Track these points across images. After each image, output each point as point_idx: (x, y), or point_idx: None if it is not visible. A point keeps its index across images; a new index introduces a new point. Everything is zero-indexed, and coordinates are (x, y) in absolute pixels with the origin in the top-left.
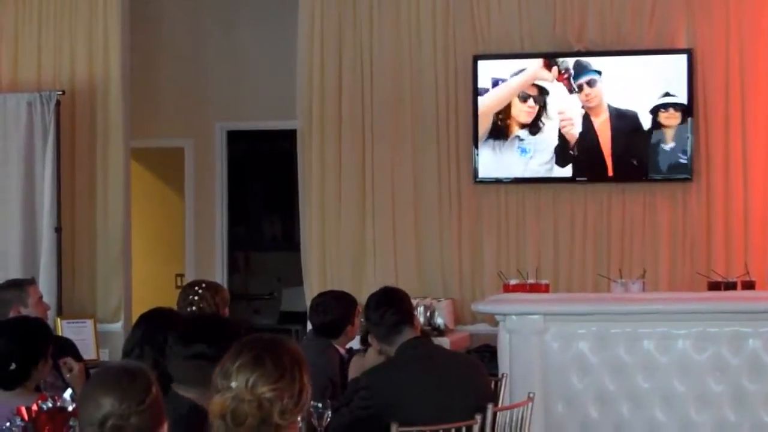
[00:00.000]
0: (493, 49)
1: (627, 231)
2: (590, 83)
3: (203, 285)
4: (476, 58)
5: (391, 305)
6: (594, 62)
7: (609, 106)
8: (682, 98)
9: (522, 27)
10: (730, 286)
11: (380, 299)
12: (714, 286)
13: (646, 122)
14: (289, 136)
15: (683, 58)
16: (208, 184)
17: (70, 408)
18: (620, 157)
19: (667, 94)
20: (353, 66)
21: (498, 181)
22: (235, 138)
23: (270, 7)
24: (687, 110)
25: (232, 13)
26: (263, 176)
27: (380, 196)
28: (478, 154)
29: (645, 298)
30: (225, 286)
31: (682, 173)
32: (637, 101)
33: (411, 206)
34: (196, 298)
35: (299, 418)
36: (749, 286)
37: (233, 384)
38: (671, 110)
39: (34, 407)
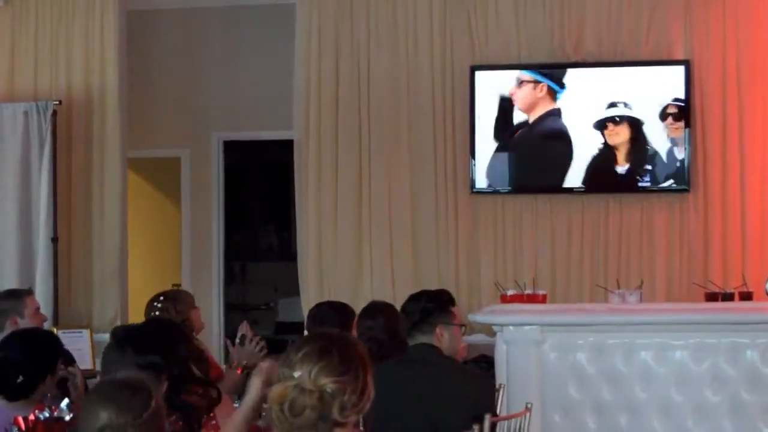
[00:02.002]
0: (490, 60)
1: (624, 241)
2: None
3: (161, 298)
4: (473, 69)
5: (420, 306)
6: (595, 72)
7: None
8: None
9: (519, 38)
10: (728, 296)
11: (417, 296)
12: (711, 297)
13: (644, 131)
14: (286, 146)
15: (680, 69)
16: (204, 194)
17: (67, 418)
18: (617, 167)
19: (666, 105)
20: (350, 76)
21: (495, 192)
22: (231, 148)
23: (267, 17)
24: (684, 120)
25: (229, 23)
26: (260, 186)
27: (377, 207)
28: (474, 165)
29: (642, 308)
30: (221, 296)
31: (679, 184)
32: (635, 111)
33: (408, 216)
34: (156, 313)
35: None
36: (747, 296)
37: (296, 374)
38: (671, 120)
39: (31, 417)
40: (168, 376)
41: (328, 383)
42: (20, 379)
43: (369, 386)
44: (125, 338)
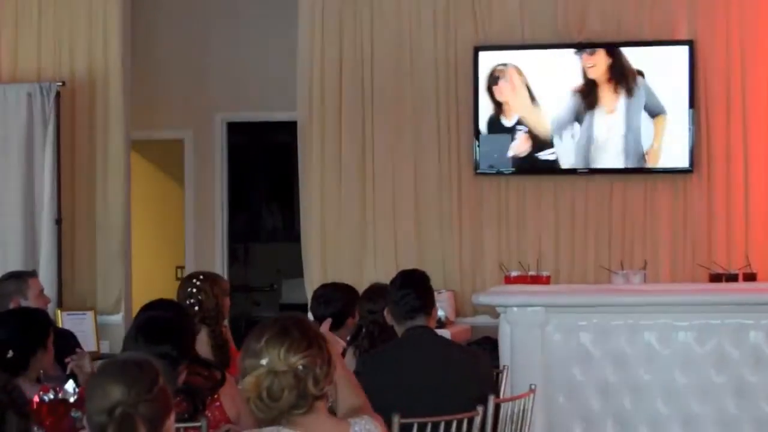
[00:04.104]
0: (493, 40)
1: (628, 222)
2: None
3: (201, 277)
4: (477, 49)
5: (415, 290)
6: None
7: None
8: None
9: (523, 18)
10: (732, 277)
11: (407, 280)
12: (715, 278)
13: (648, 111)
14: (290, 127)
15: (684, 49)
16: (208, 175)
17: (71, 399)
18: (621, 147)
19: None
20: (354, 57)
21: (499, 173)
22: (235, 129)
23: None
24: (688, 100)
25: (233, 4)
26: (263, 167)
27: (380, 188)
28: (479, 146)
29: (646, 289)
30: (225, 277)
31: (683, 164)
32: (641, 90)
33: (411, 197)
34: (194, 290)
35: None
36: (751, 277)
37: (264, 361)
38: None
39: (36, 399)
40: (186, 365)
41: (298, 360)
42: (10, 354)
43: (332, 356)
44: (140, 329)
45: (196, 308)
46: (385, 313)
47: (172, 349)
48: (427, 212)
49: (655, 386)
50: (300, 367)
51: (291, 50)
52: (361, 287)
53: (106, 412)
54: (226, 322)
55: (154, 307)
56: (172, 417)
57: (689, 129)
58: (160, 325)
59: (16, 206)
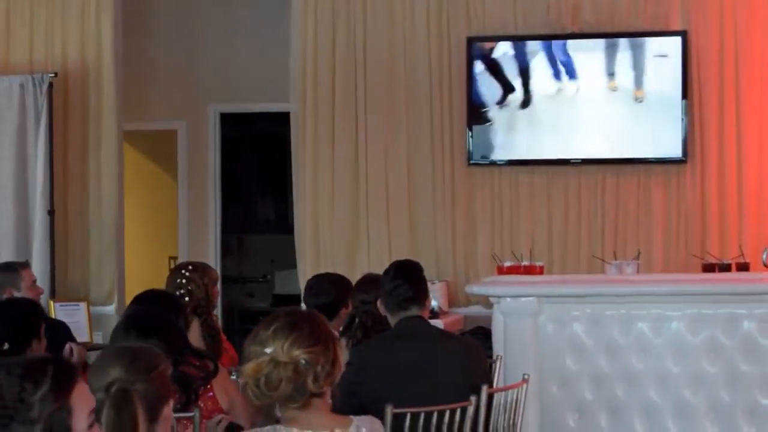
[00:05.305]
0: (487, 31)
1: (621, 213)
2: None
3: (190, 267)
4: (470, 40)
5: (408, 280)
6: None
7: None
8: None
9: (516, 9)
10: (725, 267)
11: (400, 271)
12: (708, 268)
13: (642, 102)
14: (283, 118)
15: (677, 39)
16: (201, 166)
17: None
18: (614, 138)
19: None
20: (347, 48)
21: (492, 164)
22: (228, 120)
23: None
24: (682, 91)
25: None
26: (257, 159)
27: (374, 178)
28: (471, 137)
29: (639, 279)
30: (218, 268)
31: (676, 155)
32: (631, 82)
33: (405, 188)
34: (183, 281)
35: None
36: (744, 267)
37: (268, 349)
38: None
39: None
40: (172, 360)
41: (301, 354)
42: (6, 346)
43: (339, 358)
44: (129, 322)
45: (187, 299)
46: (378, 303)
47: (160, 342)
48: (420, 203)
49: (648, 375)
50: (302, 362)
51: (284, 41)
52: (354, 278)
53: (104, 389)
54: (216, 312)
55: (146, 297)
56: (171, 404)
57: (682, 119)
58: (147, 319)
59: (9, 197)
